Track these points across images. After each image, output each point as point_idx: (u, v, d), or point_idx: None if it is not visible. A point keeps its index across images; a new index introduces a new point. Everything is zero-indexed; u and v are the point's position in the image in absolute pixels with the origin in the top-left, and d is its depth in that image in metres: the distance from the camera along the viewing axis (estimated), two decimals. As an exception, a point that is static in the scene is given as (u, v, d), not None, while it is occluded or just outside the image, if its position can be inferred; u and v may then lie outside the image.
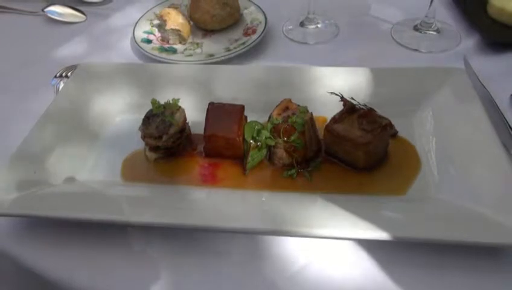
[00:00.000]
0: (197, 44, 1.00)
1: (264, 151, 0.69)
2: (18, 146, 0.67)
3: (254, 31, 0.99)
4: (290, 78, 0.78)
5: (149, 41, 1.00)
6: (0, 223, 0.64)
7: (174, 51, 0.97)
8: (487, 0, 0.97)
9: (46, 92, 0.87)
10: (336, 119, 0.66)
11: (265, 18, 1.02)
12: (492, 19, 0.96)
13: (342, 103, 0.66)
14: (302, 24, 1.05)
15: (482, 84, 0.79)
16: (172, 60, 0.93)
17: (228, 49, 0.95)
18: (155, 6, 1.09)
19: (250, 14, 1.06)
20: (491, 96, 0.75)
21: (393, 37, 0.99)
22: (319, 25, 1.04)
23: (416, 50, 0.94)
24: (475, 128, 0.65)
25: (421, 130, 0.71)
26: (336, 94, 0.67)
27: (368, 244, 0.58)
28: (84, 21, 1.14)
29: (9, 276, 0.67)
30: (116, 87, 0.81)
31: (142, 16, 1.07)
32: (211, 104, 0.70)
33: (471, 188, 0.59)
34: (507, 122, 0.71)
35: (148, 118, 0.70)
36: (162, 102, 0.71)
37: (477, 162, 0.61)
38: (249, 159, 0.67)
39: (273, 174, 0.67)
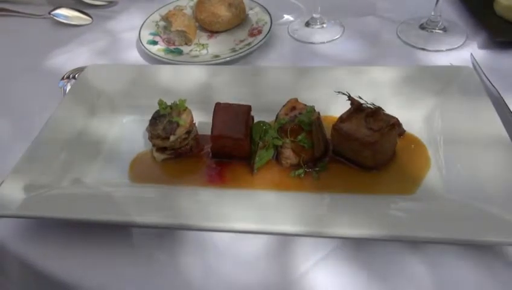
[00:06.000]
0: (203, 45, 1.01)
1: (272, 151, 0.68)
2: (27, 148, 0.68)
3: (260, 32, 0.99)
4: (296, 78, 0.78)
5: (155, 42, 1.00)
6: (9, 225, 0.64)
7: (180, 52, 0.98)
8: (494, -2, 0.97)
9: (53, 94, 0.87)
10: (343, 119, 0.66)
11: (271, 18, 1.02)
12: (499, 16, 0.96)
13: (349, 102, 0.66)
14: (307, 24, 1.05)
15: (490, 82, 0.78)
16: (178, 61, 0.93)
17: (234, 50, 0.95)
18: (160, 8, 1.09)
19: (255, 14, 1.06)
20: (500, 94, 0.75)
21: (399, 36, 0.98)
22: (324, 25, 1.04)
23: (422, 49, 0.94)
24: (484, 126, 0.65)
25: (429, 129, 0.70)
26: (343, 93, 0.66)
27: (376, 244, 0.58)
28: (90, 23, 1.15)
29: (18, 277, 0.67)
30: (123, 89, 0.81)
31: (148, 17, 1.07)
32: (218, 105, 0.70)
33: (481, 186, 0.58)
34: (516, 120, 0.70)
35: (155, 119, 0.70)
36: (169, 103, 0.71)
37: (486, 160, 0.61)
38: (257, 159, 0.67)
39: (280, 174, 0.67)
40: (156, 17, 1.07)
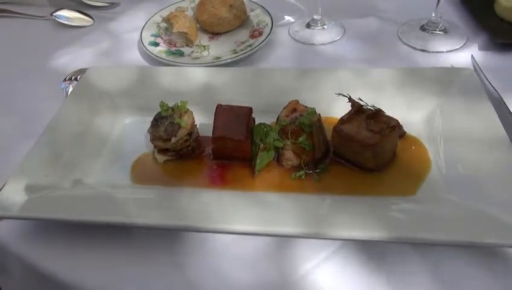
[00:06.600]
0: (204, 47, 1.01)
1: (272, 153, 0.69)
2: (29, 150, 0.68)
3: (260, 33, 0.99)
4: (297, 80, 0.78)
5: (156, 44, 1.00)
6: (11, 226, 0.65)
7: (181, 54, 0.98)
8: (495, 0, 0.97)
9: (55, 95, 0.88)
10: (344, 120, 0.66)
11: (272, 20, 1.02)
12: (499, 18, 0.96)
13: (350, 104, 0.66)
14: (308, 25, 1.05)
15: (491, 84, 0.78)
16: (179, 62, 0.93)
17: (235, 52, 0.95)
18: (162, 10, 1.10)
19: (256, 16, 1.06)
20: (500, 96, 0.75)
21: (400, 38, 0.98)
22: (325, 26, 1.04)
23: (423, 50, 0.94)
24: (484, 127, 0.65)
25: (430, 131, 0.70)
26: (344, 95, 0.67)
27: (377, 245, 0.58)
28: (92, 25, 1.15)
29: (20, 277, 0.67)
30: (125, 90, 0.82)
31: (149, 19, 1.07)
32: (219, 106, 0.70)
33: (481, 188, 0.59)
34: (516, 121, 0.70)
35: (156, 121, 0.70)
36: (170, 104, 0.71)
37: (486, 161, 0.61)
38: (258, 160, 0.67)
39: (281, 176, 0.67)
40: (158, 18, 1.07)
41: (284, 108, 0.70)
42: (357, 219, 0.55)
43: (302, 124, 0.66)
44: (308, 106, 0.70)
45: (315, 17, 1.04)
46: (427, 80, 0.74)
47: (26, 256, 0.62)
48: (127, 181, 0.69)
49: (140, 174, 0.71)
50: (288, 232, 0.56)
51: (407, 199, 0.62)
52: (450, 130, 0.68)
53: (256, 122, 0.72)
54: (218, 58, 0.94)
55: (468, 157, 0.63)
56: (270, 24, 1.01)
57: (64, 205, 0.62)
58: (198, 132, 0.74)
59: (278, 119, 0.70)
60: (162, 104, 0.71)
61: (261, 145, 0.67)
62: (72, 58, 1.02)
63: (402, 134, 0.70)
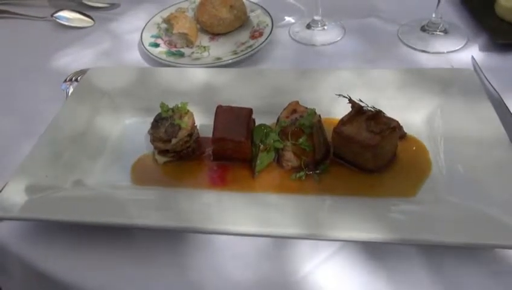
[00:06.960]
0: (204, 47, 1.01)
1: (273, 154, 0.69)
2: (29, 150, 0.68)
3: (261, 34, 1.00)
4: (297, 81, 0.78)
5: (157, 45, 1.00)
6: (11, 226, 0.65)
7: (182, 55, 0.98)
8: (495, 0, 0.97)
9: (56, 96, 0.88)
10: (344, 122, 0.66)
11: (272, 20, 1.02)
12: (500, 18, 0.96)
13: (350, 104, 0.66)
14: (308, 26, 1.05)
15: (491, 84, 0.78)
16: (179, 63, 0.93)
17: (235, 52, 0.95)
18: (162, 11, 1.10)
19: (256, 17, 1.06)
20: (500, 97, 0.75)
21: (400, 38, 0.98)
22: (325, 27, 1.04)
23: (423, 51, 0.94)
24: (484, 128, 0.65)
25: (430, 132, 0.70)
26: (344, 96, 0.67)
27: (377, 247, 0.58)
28: (92, 26, 1.15)
29: (20, 277, 0.67)
30: (125, 91, 0.82)
31: (150, 20, 1.07)
32: (219, 108, 0.70)
33: (482, 188, 0.59)
34: (517, 122, 0.70)
35: (156, 122, 0.70)
36: (171, 105, 0.71)
37: (487, 162, 0.61)
38: (258, 162, 0.67)
39: (281, 177, 0.67)
40: (158, 19, 1.07)
41: (284, 109, 0.70)
42: (357, 220, 0.55)
43: (302, 125, 0.66)
44: (308, 106, 0.70)
45: (315, 17, 1.04)
46: (428, 81, 0.74)
47: (26, 256, 0.62)
48: (127, 182, 0.69)
49: (140, 175, 0.71)
50: (289, 233, 0.56)
51: (407, 200, 0.62)
52: (450, 130, 0.68)
53: (257, 123, 0.72)
54: (218, 59, 0.94)
55: (468, 157, 0.63)
56: (270, 25, 1.01)
57: (64, 206, 0.62)
58: (198, 133, 0.74)
59: (278, 120, 0.70)
60: (162, 105, 0.71)
61: (261, 146, 0.67)
62: (73, 59, 1.02)
63: (402, 135, 0.70)
